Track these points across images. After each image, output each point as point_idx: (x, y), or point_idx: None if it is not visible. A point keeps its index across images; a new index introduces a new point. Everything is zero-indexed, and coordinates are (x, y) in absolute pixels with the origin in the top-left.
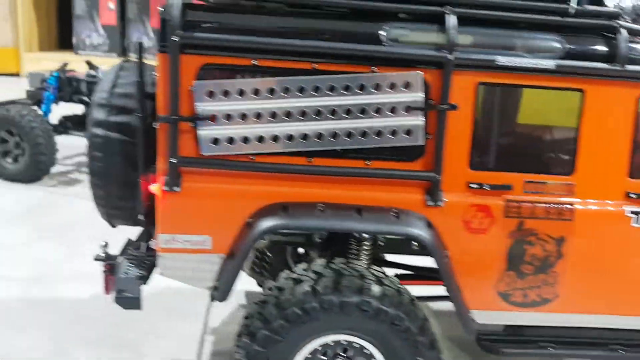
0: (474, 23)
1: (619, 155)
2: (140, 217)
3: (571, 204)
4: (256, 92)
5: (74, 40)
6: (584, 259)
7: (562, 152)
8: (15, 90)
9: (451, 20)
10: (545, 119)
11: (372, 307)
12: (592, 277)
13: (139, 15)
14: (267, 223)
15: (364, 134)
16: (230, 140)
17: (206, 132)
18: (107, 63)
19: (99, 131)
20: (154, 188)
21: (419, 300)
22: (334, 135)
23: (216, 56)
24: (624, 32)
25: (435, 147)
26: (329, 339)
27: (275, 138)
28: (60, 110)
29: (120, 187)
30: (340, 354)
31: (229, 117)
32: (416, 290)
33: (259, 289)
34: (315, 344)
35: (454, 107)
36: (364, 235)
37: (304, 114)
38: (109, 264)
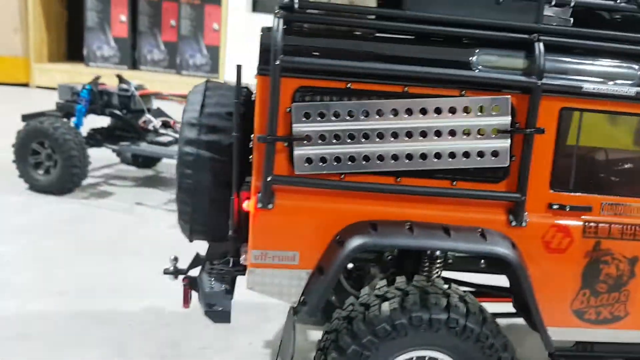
0: (559, 50)
1: None
2: (231, 233)
3: None
4: (350, 114)
5: (85, 51)
6: None
7: (638, 175)
8: (25, 100)
9: (540, 47)
10: (623, 143)
11: (459, 324)
12: None
13: (150, 28)
14: (358, 241)
15: (451, 155)
16: (323, 160)
17: (301, 152)
18: (118, 75)
19: (189, 149)
20: (248, 205)
21: None
22: (423, 156)
23: (312, 79)
24: None
25: (519, 169)
26: (414, 354)
27: (366, 158)
28: (89, 123)
29: (208, 203)
30: None
31: (323, 137)
32: None
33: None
34: (401, 359)
35: (541, 131)
36: (437, 253)
37: (395, 136)
38: (188, 277)
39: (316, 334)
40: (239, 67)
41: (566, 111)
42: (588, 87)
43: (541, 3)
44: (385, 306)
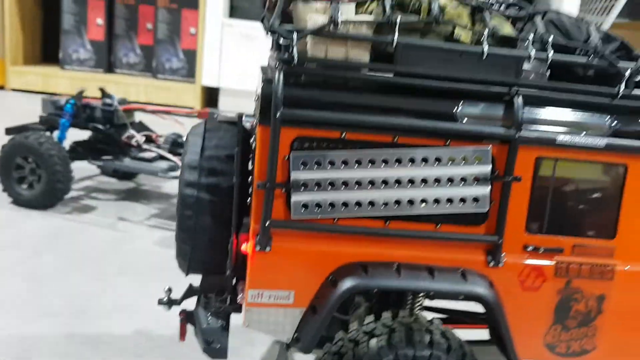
0: (537, 103)
1: None
2: (229, 272)
3: (612, 265)
4: (345, 162)
5: (61, 54)
6: (621, 315)
7: (606, 219)
8: (0, 103)
9: (518, 101)
10: (593, 189)
11: None
12: (627, 331)
13: (126, 32)
14: (350, 282)
15: (436, 201)
16: (318, 205)
17: (298, 198)
18: (94, 78)
19: (190, 191)
20: (247, 247)
21: None
22: (410, 202)
23: (309, 129)
24: None
25: (498, 213)
26: None
27: (358, 204)
28: (71, 136)
29: (207, 243)
30: None
31: (319, 184)
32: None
33: None
34: None
35: (518, 179)
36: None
37: (385, 183)
38: (185, 312)
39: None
40: (240, 116)
41: (541, 160)
42: (561, 138)
43: (520, 60)
44: (373, 343)
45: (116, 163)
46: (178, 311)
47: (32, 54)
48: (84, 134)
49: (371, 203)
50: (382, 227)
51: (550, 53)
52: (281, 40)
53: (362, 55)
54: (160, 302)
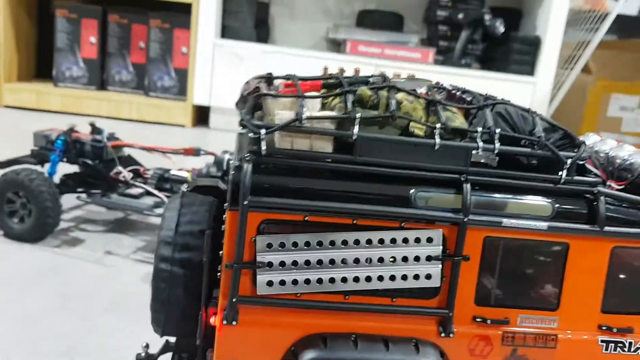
0: (485, 189)
1: (594, 295)
2: (199, 342)
3: (555, 334)
4: (307, 244)
5: (54, 72)
6: None
7: (549, 292)
8: None
9: (467, 187)
10: (537, 265)
11: None
12: None
13: (119, 50)
14: (309, 355)
15: (392, 277)
16: (282, 283)
17: (263, 276)
18: (86, 96)
19: (164, 266)
20: (215, 321)
21: None
22: (368, 278)
23: (275, 213)
24: (602, 198)
25: (449, 289)
26: None
27: (319, 280)
28: (62, 169)
29: (179, 313)
30: None
31: (283, 264)
32: None
33: None
34: None
35: (466, 259)
36: None
37: (345, 262)
38: None
39: None
40: (212, 203)
41: (489, 239)
42: (507, 222)
43: (469, 150)
44: None
45: (103, 200)
46: None
47: (26, 71)
48: (75, 167)
49: (331, 280)
50: (342, 301)
51: (497, 144)
52: (250, 134)
53: (325, 146)
54: (138, 357)
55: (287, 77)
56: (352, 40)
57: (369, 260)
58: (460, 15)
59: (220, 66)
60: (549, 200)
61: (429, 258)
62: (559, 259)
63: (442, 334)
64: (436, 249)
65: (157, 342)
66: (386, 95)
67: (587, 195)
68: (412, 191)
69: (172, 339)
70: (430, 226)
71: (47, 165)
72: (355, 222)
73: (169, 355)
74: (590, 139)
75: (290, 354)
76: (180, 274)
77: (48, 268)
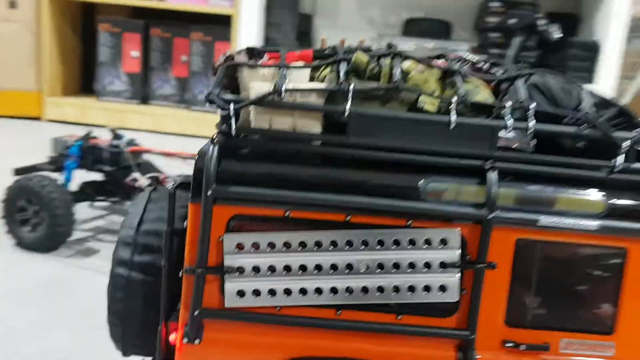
0: (516, 178)
1: None
2: None
3: None
4: (287, 245)
5: (97, 86)
6: None
7: (602, 311)
8: (36, 134)
9: (492, 176)
10: (586, 276)
11: None
12: None
13: (161, 64)
14: None
15: (395, 289)
16: (257, 293)
17: (233, 284)
18: (129, 110)
19: (121, 271)
20: (174, 338)
21: None
22: (365, 289)
23: (247, 207)
24: None
25: (470, 305)
26: None
27: (303, 291)
28: (81, 176)
29: (140, 328)
30: None
31: (257, 269)
32: None
33: None
34: None
35: (492, 267)
36: None
37: (334, 268)
38: None
39: None
40: (171, 194)
41: (522, 242)
42: (545, 221)
43: (495, 130)
44: None
45: (116, 207)
46: None
47: (70, 85)
48: (97, 174)
49: (318, 291)
50: (332, 317)
51: (532, 122)
52: (219, 111)
53: (311, 125)
54: None
55: (275, 50)
56: None
57: (365, 267)
58: (513, 22)
59: None
60: (601, 194)
61: (443, 265)
62: (614, 269)
63: None
64: (452, 254)
65: None
66: (389, 64)
67: None
68: (421, 181)
69: None
70: (445, 225)
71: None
72: (348, 218)
73: None
74: None
75: None
76: (139, 280)
77: (55, 279)
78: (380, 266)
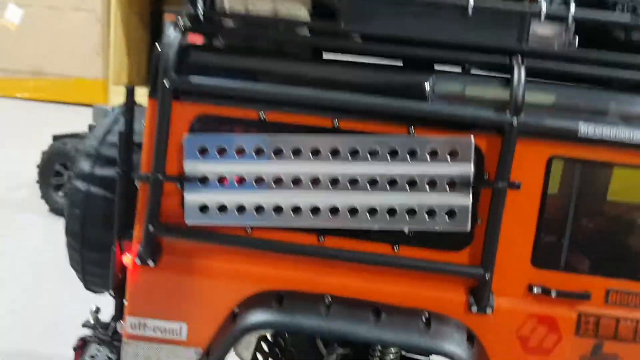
0: (550, 77)
1: None
2: (111, 291)
3: None
4: (259, 151)
5: None
6: None
7: None
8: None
9: (519, 73)
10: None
11: None
12: None
13: None
14: (255, 317)
15: (391, 211)
16: (222, 209)
17: (194, 196)
18: None
19: (80, 185)
20: (126, 259)
21: None
22: (353, 211)
23: (215, 105)
24: None
25: (487, 236)
26: None
27: (278, 209)
28: None
29: (98, 252)
30: None
31: (222, 180)
32: None
33: None
34: None
35: (515, 186)
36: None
37: (316, 182)
38: (84, 339)
39: None
40: (129, 90)
41: (558, 161)
42: (587, 130)
43: (524, 17)
44: None
45: None
46: None
47: (136, 75)
48: None
49: (296, 209)
50: (314, 244)
51: (573, 9)
52: None
53: (296, 9)
54: (85, 324)
55: None
56: None
57: (353, 182)
58: None
59: None
60: None
61: (452, 183)
62: None
63: (474, 309)
64: (464, 169)
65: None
66: None
67: None
68: (428, 79)
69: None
70: (456, 133)
71: None
72: (336, 123)
73: None
74: None
75: (230, 317)
76: (99, 196)
77: None
78: (373, 182)
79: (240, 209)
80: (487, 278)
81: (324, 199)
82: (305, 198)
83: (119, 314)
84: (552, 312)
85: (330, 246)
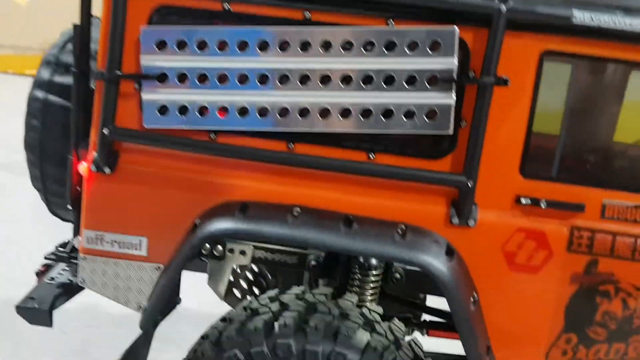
0: None
1: None
2: (69, 205)
3: None
4: (222, 46)
5: None
6: None
7: None
8: None
9: None
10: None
11: None
12: None
13: None
14: (215, 226)
15: (365, 113)
16: (183, 110)
17: (152, 95)
18: None
19: (38, 94)
20: (82, 167)
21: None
22: (325, 112)
23: None
24: None
25: (470, 139)
26: None
27: (243, 111)
28: None
29: (58, 167)
30: None
31: (183, 78)
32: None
33: None
34: None
35: (503, 82)
36: (373, 261)
37: (284, 80)
38: (46, 264)
39: None
40: None
41: (551, 57)
42: (583, 17)
43: None
44: (248, 324)
45: None
46: None
47: None
48: None
49: (262, 111)
50: (283, 150)
51: None
52: None
53: None
54: (46, 257)
55: None
56: None
57: (325, 80)
58: None
59: None
60: None
61: (433, 81)
62: None
63: (455, 221)
64: (447, 64)
65: None
66: None
67: None
68: None
69: None
70: (439, 24)
71: None
72: (307, 15)
73: None
74: None
75: (192, 228)
76: (57, 105)
77: None
78: (346, 79)
79: (203, 110)
80: (469, 186)
81: (293, 98)
82: (273, 98)
83: (77, 230)
84: (542, 226)
85: (300, 153)
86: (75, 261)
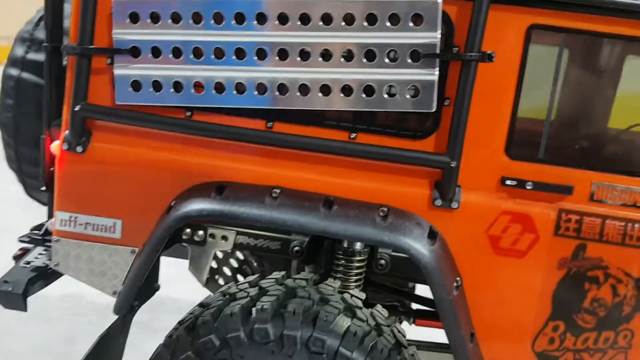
0: None
1: None
2: (43, 187)
3: None
4: (198, 18)
5: None
6: None
7: None
8: None
9: None
10: (636, 90)
11: (328, 348)
12: None
13: None
14: (189, 207)
15: (346, 90)
16: (157, 86)
17: (124, 71)
18: None
19: (12, 71)
20: (54, 146)
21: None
22: (304, 88)
23: None
24: None
25: (454, 117)
26: None
27: (219, 87)
28: None
29: (32, 147)
30: None
31: (157, 52)
32: None
33: None
34: None
35: (488, 58)
36: (357, 246)
37: (262, 55)
38: (23, 248)
39: None
40: None
41: (539, 32)
42: None
43: None
44: (225, 310)
45: None
46: None
47: None
48: None
49: (239, 87)
50: (262, 129)
51: None
52: None
53: None
54: (21, 239)
55: None
56: None
57: (304, 56)
58: None
59: None
60: None
61: (415, 55)
62: None
63: (438, 202)
64: (429, 38)
65: None
66: None
67: None
68: None
69: None
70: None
71: None
72: None
73: None
74: None
75: (167, 210)
76: (31, 83)
77: None
78: (326, 56)
79: (178, 86)
80: (452, 167)
81: (271, 74)
82: (250, 74)
83: (52, 212)
84: (528, 209)
85: (279, 132)
86: (49, 244)
